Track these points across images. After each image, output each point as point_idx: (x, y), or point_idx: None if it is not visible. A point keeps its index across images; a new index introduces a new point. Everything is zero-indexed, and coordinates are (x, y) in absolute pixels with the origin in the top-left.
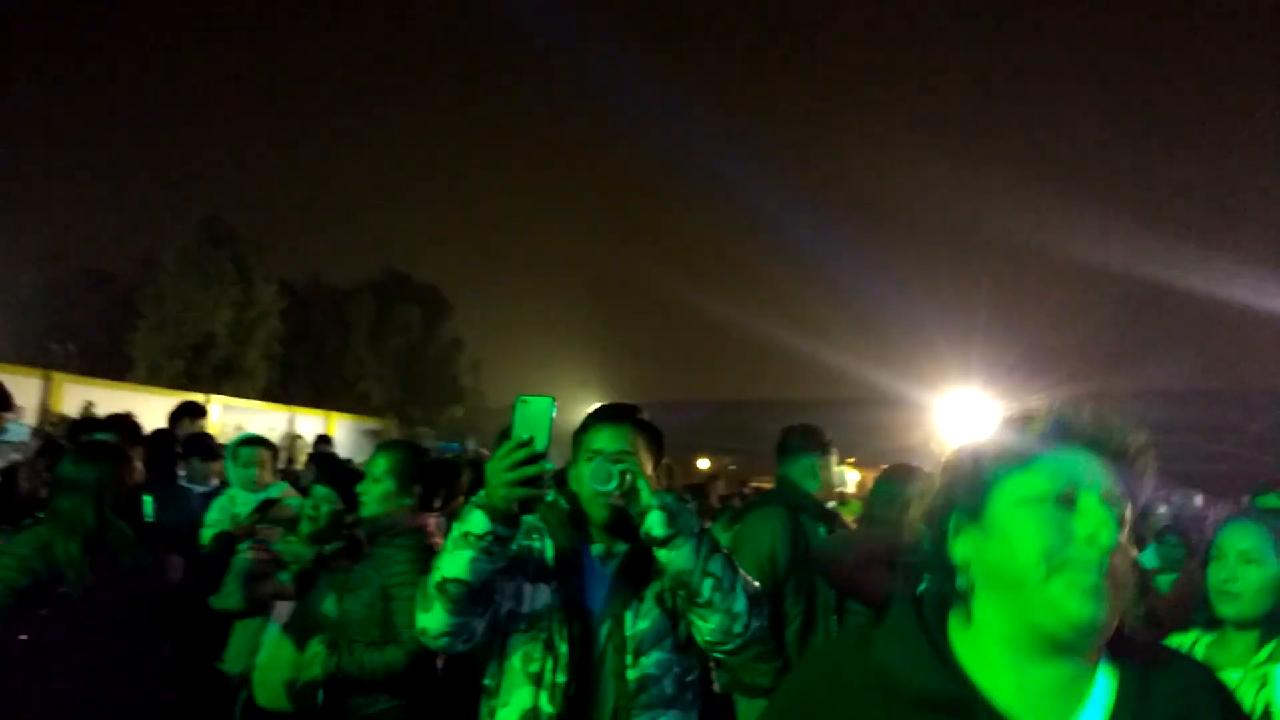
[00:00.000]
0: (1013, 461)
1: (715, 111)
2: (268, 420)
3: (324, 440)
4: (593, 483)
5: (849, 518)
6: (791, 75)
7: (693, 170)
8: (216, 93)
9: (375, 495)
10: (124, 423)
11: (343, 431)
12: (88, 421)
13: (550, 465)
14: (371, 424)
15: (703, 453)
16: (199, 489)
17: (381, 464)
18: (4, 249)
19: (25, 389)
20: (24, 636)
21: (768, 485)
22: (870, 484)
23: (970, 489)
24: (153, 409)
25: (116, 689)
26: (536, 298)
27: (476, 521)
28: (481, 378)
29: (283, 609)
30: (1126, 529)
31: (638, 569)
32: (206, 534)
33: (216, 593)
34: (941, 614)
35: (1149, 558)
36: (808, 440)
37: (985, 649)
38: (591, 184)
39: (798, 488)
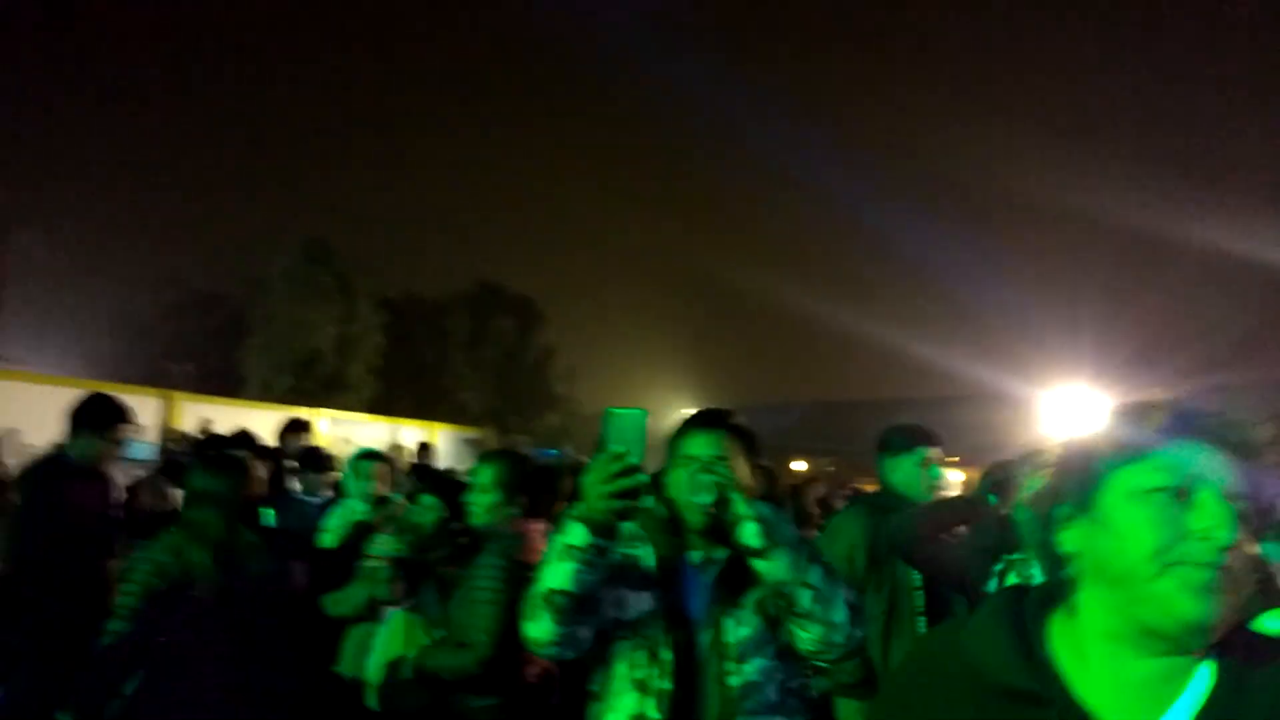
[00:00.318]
0: (1127, 453)
1: (803, 108)
2: (373, 432)
3: (425, 448)
4: (688, 494)
5: None
6: (880, 68)
7: (781, 167)
8: (317, 118)
9: (483, 505)
10: (247, 438)
11: (443, 441)
12: (213, 438)
13: (645, 477)
14: (471, 433)
15: (799, 455)
16: (313, 500)
17: (488, 474)
18: (125, 275)
19: (146, 408)
20: (161, 639)
21: (869, 487)
22: (975, 484)
23: (1081, 480)
24: (265, 424)
25: (246, 689)
26: (628, 304)
27: (576, 534)
28: (575, 385)
29: (391, 614)
30: (1246, 526)
31: (736, 576)
32: (327, 539)
33: (334, 597)
34: (1043, 605)
35: (1275, 551)
36: (907, 439)
37: (1085, 641)
38: (679, 187)
39: (896, 490)
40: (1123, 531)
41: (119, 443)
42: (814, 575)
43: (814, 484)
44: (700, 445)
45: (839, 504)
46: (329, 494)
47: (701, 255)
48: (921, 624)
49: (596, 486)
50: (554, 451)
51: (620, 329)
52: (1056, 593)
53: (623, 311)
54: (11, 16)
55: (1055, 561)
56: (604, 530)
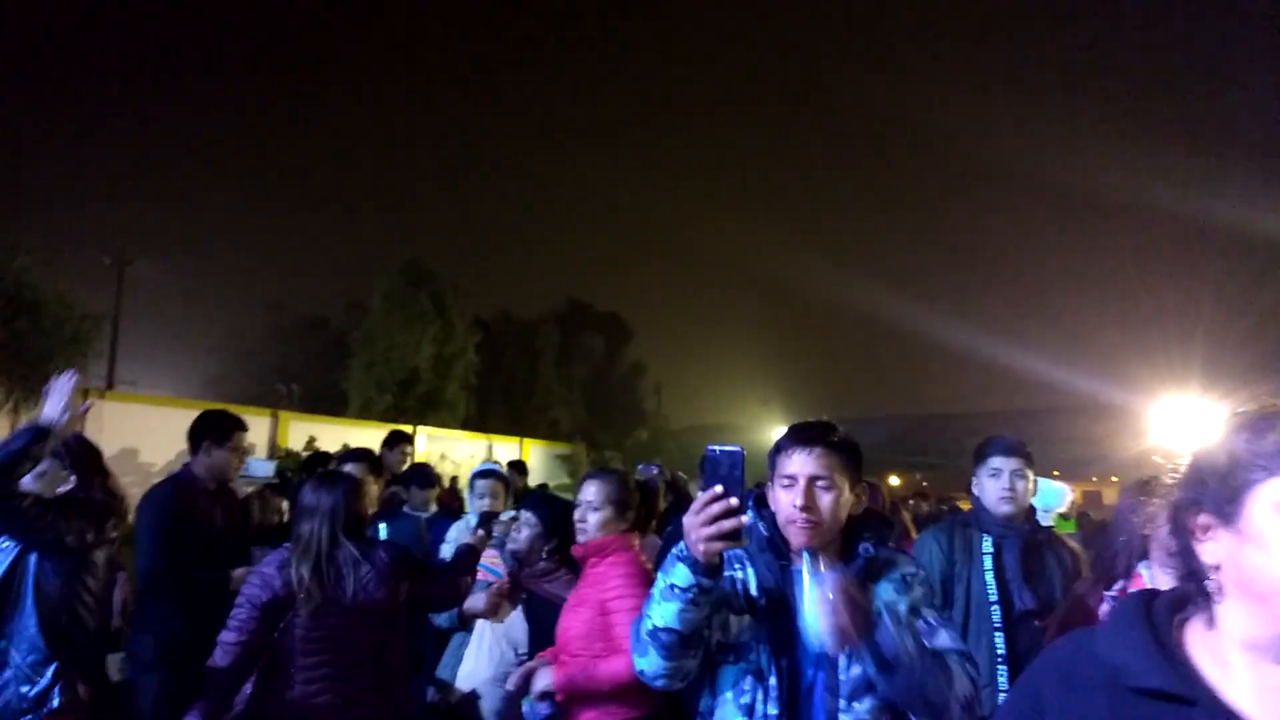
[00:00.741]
0: (1275, 465)
1: (896, 119)
2: (468, 448)
3: (516, 466)
4: (788, 515)
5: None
6: (975, 78)
7: (877, 179)
8: (414, 148)
9: (595, 522)
10: (367, 454)
11: (535, 457)
12: (320, 455)
13: (746, 516)
14: (562, 449)
15: (894, 469)
16: (420, 515)
17: (597, 491)
18: (235, 300)
19: (257, 427)
20: (269, 648)
21: (965, 504)
22: (1079, 498)
23: (1223, 491)
24: (367, 440)
25: (354, 698)
26: (716, 319)
27: (680, 574)
28: (664, 401)
29: (485, 625)
30: None
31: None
32: (446, 551)
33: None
34: (1173, 611)
35: None
36: (995, 452)
37: (1225, 649)
38: (769, 200)
39: (979, 502)
40: (1273, 546)
41: (238, 451)
42: (935, 692)
43: (911, 501)
44: (800, 463)
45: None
46: (433, 509)
47: (792, 270)
48: (999, 640)
49: (696, 528)
50: (654, 468)
51: (709, 344)
52: (1189, 600)
53: (711, 327)
54: (129, 70)
55: (1194, 572)
56: (707, 570)
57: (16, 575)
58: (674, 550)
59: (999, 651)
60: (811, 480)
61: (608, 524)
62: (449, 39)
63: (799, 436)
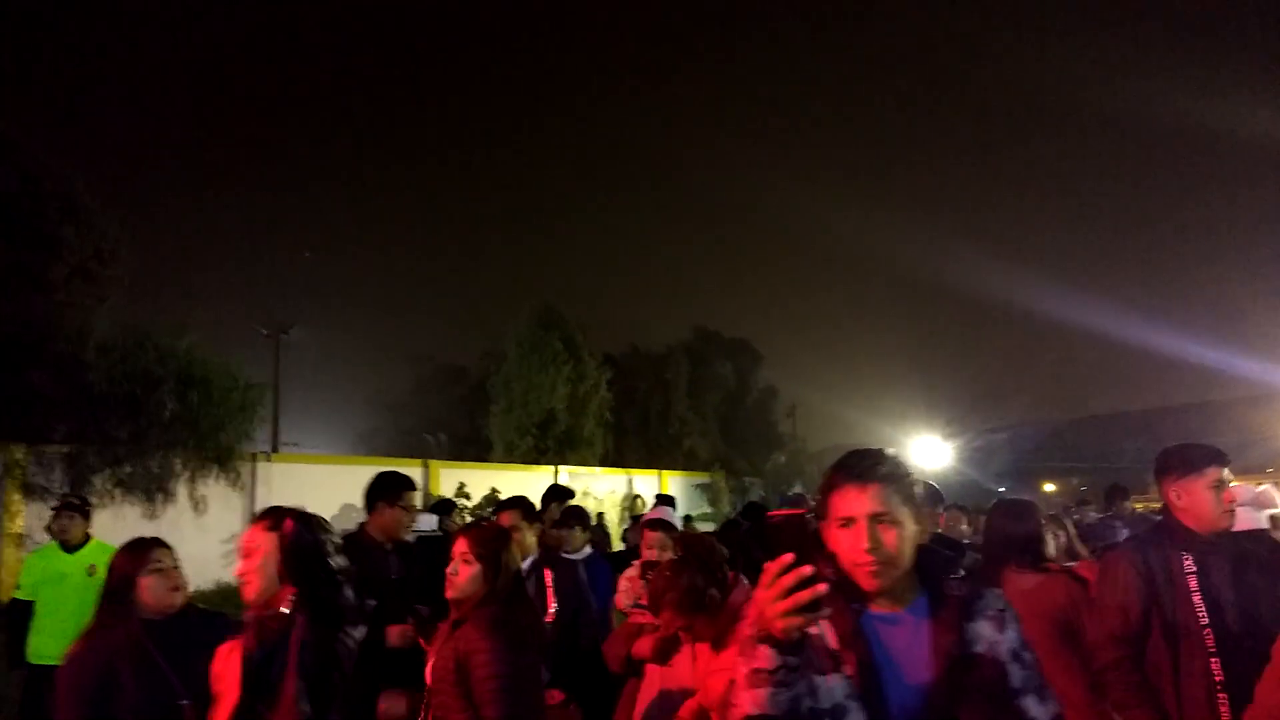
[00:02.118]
0: None
1: (1045, 108)
2: (609, 484)
3: (664, 499)
4: (852, 556)
5: None
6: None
7: (1019, 174)
8: (536, 193)
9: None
10: (522, 503)
11: (675, 488)
12: (447, 501)
13: (823, 584)
14: (701, 478)
15: (1049, 476)
16: (575, 557)
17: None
18: (382, 357)
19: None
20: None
21: (1138, 505)
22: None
23: None
24: (511, 483)
25: None
26: (847, 334)
27: (763, 657)
28: (799, 422)
29: (654, 669)
30: None
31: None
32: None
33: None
34: None
35: None
36: (1193, 460)
37: None
38: (898, 195)
39: (1181, 518)
40: None
41: (410, 509)
42: None
43: (1081, 506)
44: (856, 501)
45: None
46: (588, 551)
47: (927, 272)
48: (1216, 667)
49: (770, 603)
50: (794, 491)
51: (842, 361)
52: None
53: (843, 342)
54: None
55: None
56: (790, 648)
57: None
58: (749, 630)
59: (1216, 679)
60: (872, 518)
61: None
62: (568, 83)
63: (851, 472)
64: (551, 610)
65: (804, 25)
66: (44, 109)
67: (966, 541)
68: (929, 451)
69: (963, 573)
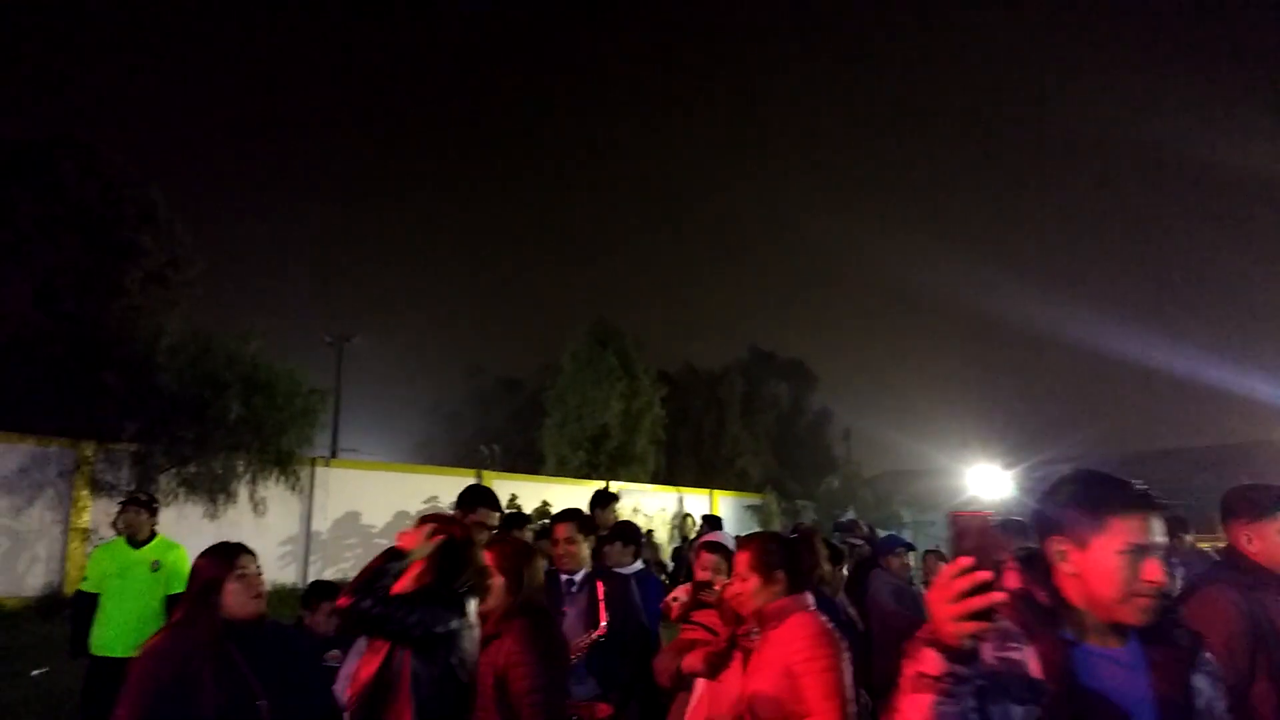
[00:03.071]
0: None
1: (1108, 134)
2: (659, 501)
3: (711, 521)
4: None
5: None
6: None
7: (1077, 196)
8: (594, 209)
9: (749, 590)
10: (577, 515)
11: (725, 508)
12: (519, 515)
13: (1000, 591)
14: (752, 499)
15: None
16: (624, 570)
17: (742, 563)
18: (440, 368)
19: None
20: None
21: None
22: None
23: None
24: (562, 496)
25: None
26: (905, 361)
27: (930, 661)
28: (854, 446)
29: (702, 683)
30: None
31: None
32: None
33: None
34: None
35: None
36: (1267, 502)
37: None
38: (956, 226)
39: (1254, 560)
40: None
41: (483, 525)
42: None
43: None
44: (1157, 530)
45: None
46: (638, 565)
47: (988, 303)
48: None
49: (944, 606)
50: (850, 517)
51: (899, 387)
52: None
53: (901, 368)
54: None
55: None
56: (961, 657)
57: (391, 668)
58: (919, 633)
59: None
60: (1162, 550)
61: (759, 592)
62: (629, 102)
63: (1146, 499)
64: (603, 624)
65: (864, 56)
66: (122, 117)
67: None
68: (988, 481)
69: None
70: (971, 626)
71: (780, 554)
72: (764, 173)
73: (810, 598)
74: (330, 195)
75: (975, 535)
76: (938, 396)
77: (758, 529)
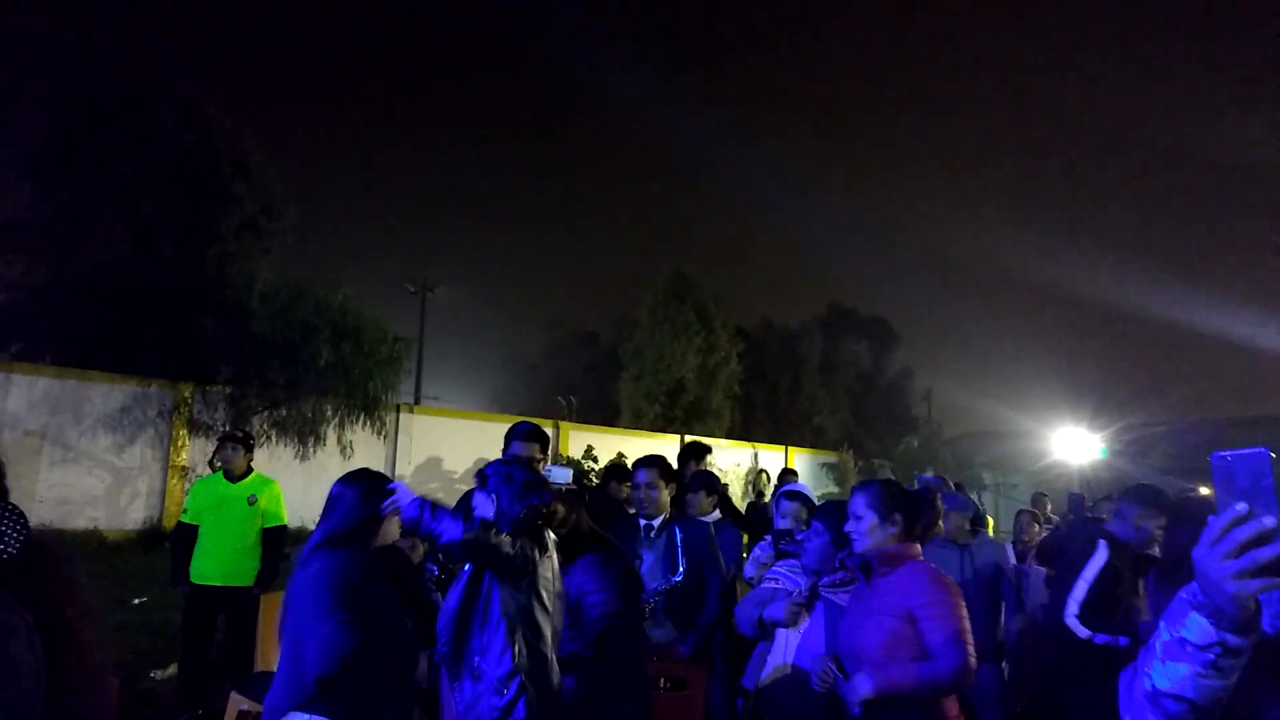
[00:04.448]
0: None
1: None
2: (734, 456)
3: (788, 474)
4: None
5: None
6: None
7: (1172, 159)
8: (673, 163)
9: (863, 529)
10: (660, 462)
11: (800, 465)
12: (619, 466)
13: None
14: (828, 457)
15: (1202, 479)
16: (705, 519)
17: (861, 500)
18: (519, 320)
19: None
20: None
21: None
22: None
23: None
24: (637, 448)
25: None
26: (992, 320)
27: (1195, 628)
28: (934, 407)
29: (784, 634)
30: None
31: None
32: (750, 569)
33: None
34: None
35: None
36: None
37: None
38: (1042, 189)
39: None
40: None
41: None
42: None
43: None
44: None
45: None
46: (716, 514)
47: (1082, 266)
48: None
49: (1216, 564)
50: (934, 479)
51: (984, 348)
52: None
53: (988, 328)
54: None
55: None
56: (1237, 624)
57: (481, 592)
58: (1183, 593)
59: None
60: None
61: (874, 530)
62: (709, 54)
63: None
64: (680, 570)
65: (972, 28)
66: (217, 67)
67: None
68: (1075, 443)
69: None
70: (1257, 585)
71: (901, 499)
72: (855, 130)
73: (919, 548)
74: (416, 148)
75: (1249, 477)
76: (1022, 360)
77: (833, 488)
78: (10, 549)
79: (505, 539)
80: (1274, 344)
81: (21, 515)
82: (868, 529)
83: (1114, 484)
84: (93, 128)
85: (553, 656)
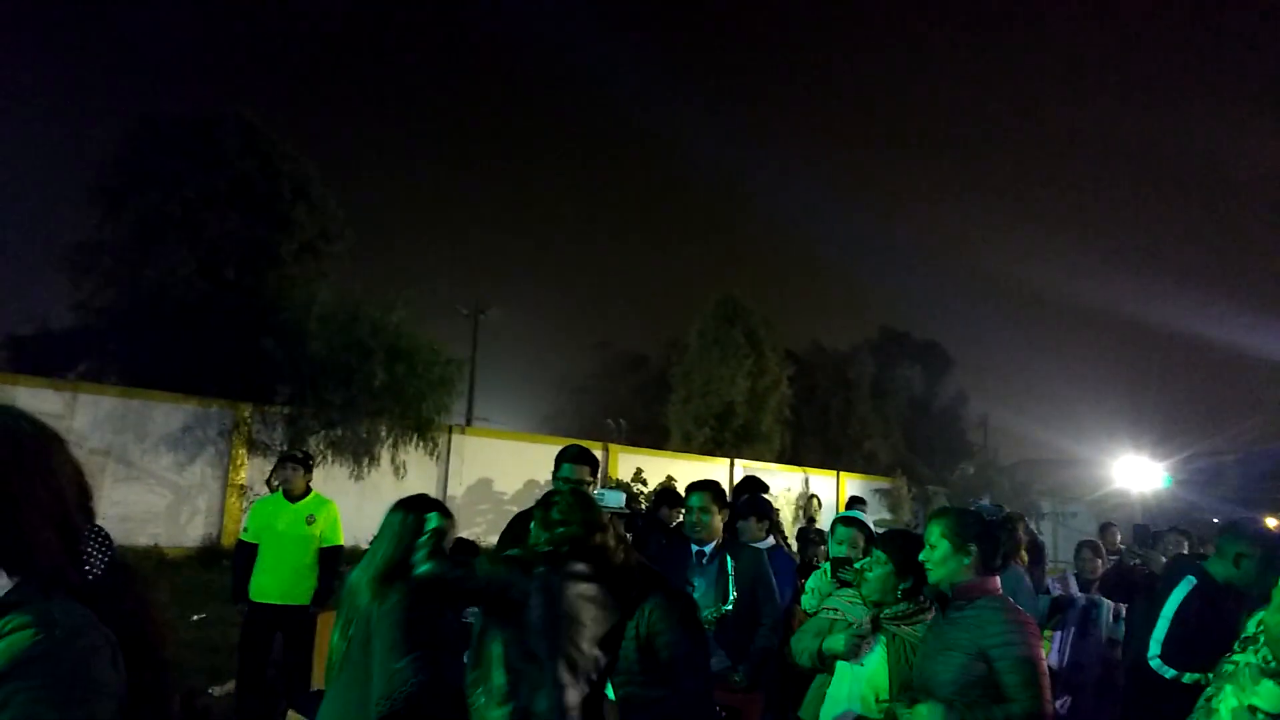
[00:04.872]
0: None
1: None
2: (784, 481)
3: (858, 500)
4: None
5: None
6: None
7: (1239, 178)
8: (729, 192)
9: (936, 558)
10: (713, 486)
11: (852, 490)
12: (671, 491)
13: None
14: (881, 483)
15: (1271, 510)
16: (760, 546)
17: (936, 529)
18: (570, 342)
19: None
20: None
21: None
22: None
23: None
24: (686, 472)
25: None
26: (1051, 349)
27: (1268, 695)
28: (991, 433)
29: (846, 666)
30: None
31: None
32: (806, 601)
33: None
34: None
35: None
36: None
37: None
38: (1092, 209)
39: None
40: None
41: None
42: None
43: None
44: None
45: None
46: (771, 540)
47: (1138, 295)
48: None
49: None
50: (994, 508)
51: (1042, 376)
52: None
53: (1046, 357)
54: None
55: None
56: None
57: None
58: (1253, 656)
59: None
60: None
61: (948, 559)
62: (756, 75)
63: None
64: (732, 597)
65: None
66: (278, 92)
67: None
68: (1137, 472)
69: None
70: None
71: (977, 529)
72: (903, 153)
73: (999, 581)
74: (473, 173)
75: None
76: (1081, 387)
77: (886, 514)
78: (96, 570)
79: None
80: None
81: (107, 537)
82: (941, 559)
83: (1178, 515)
84: (159, 151)
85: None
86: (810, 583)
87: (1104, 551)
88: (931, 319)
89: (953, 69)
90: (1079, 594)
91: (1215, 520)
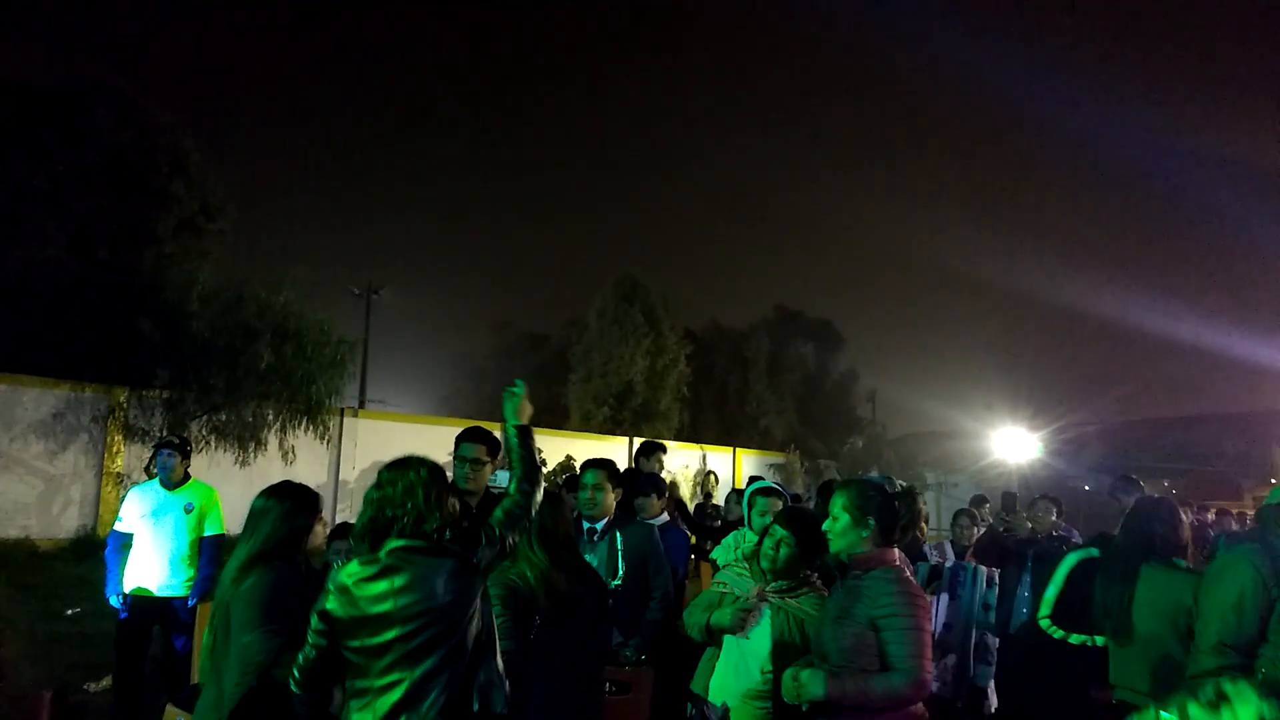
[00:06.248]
0: None
1: (1138, 106)
2: (682, 458)
3: (756, 481)
4: None
5: None
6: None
7: (1112, 169)
8: (620, 164)
9: (838, 530)
10: (609, 465)
11: (748, 466)
12: (574, 478)
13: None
14: (775, 458)
15: (1139, 475)
16: (653, 522)
17: (838, 501)
18: (467, 322)
19: None
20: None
21: (1231, 506)
22: None
23: None
24: (587, 451)
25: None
26: (932, 325)
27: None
28: (879, 408)
29: (732, 640)
30: None
31: None
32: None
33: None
34: None
35: None
36: None
37: None
38: (985, 195)
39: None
40: None
41: (465, 461)
42: None
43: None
44: None
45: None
46: (665, 517)
47: (1016, 270)
48: None
49: None
50: (881, 478)
51: (925, 351)
52: None
53: (928, 332)
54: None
55: None
56: None
57: None
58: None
59: None
60: None
61: (847, 531)
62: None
63: None
64: (620, 573)
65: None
66: (155, 64)
67: (1057, 534)
68: (1014, 443)
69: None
70: None
71: (877, 502)
72: (794, 132)
73: (898, 553)
74: (362, 148)
75: None
76: (963, 361)
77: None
78: None
79: None
80: (1208, 344)
81: None
82: (841, 530)
83: (1050, 483)
84: (24, 122)
85: None
86: (728, 540)
87: (979, 520)
88: (824, 297)
89: (833, 42)
90: (951, 560)
91: (1087, 488)
